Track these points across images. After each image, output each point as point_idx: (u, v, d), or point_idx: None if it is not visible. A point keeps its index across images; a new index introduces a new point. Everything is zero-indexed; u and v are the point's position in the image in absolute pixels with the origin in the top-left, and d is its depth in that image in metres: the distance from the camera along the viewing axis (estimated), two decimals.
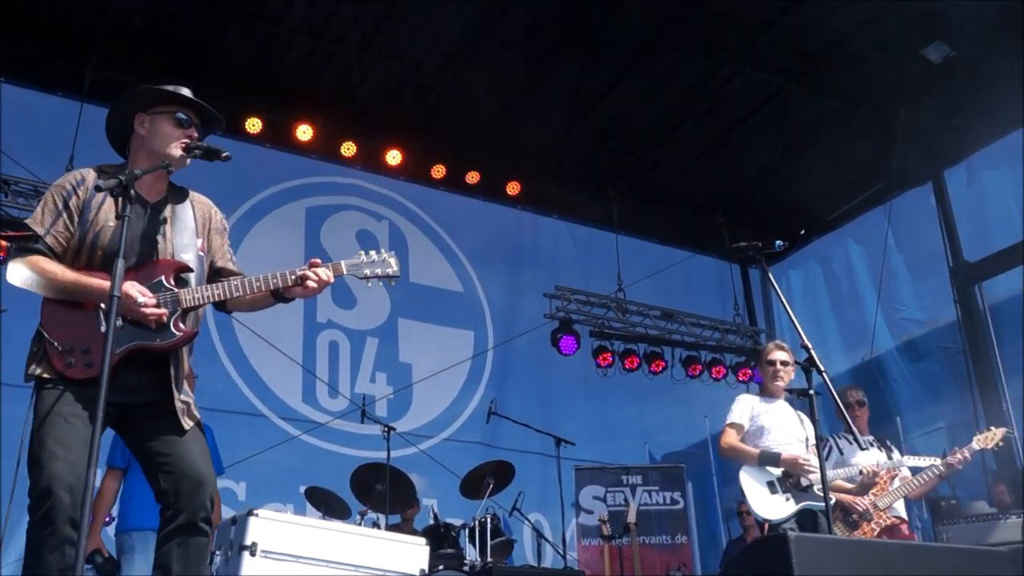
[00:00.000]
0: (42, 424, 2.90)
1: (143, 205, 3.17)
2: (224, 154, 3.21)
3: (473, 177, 9.54)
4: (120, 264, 2.81)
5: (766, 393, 5.68)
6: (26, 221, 3.16)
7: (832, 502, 5.67)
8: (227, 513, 4.00)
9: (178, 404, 3.09)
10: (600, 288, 9.77)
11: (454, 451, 8.63)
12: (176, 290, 3.10)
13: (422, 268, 9.52)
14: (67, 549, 2.75)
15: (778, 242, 4.57)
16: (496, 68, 8.49)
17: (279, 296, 3.26)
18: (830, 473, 5.44)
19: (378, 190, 9.51)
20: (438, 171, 9.40)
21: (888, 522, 5.56)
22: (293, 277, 3.17)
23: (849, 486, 5.61)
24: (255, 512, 3.26)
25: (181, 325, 3.08)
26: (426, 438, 8.76)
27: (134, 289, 2.97)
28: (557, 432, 7.62)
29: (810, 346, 4.29)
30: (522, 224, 10.26)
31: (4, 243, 2.95)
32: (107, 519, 5.65)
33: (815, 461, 5.36)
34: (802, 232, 9.51)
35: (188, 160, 3.23)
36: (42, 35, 7.63)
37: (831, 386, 4.38)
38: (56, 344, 2.99)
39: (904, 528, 5.68)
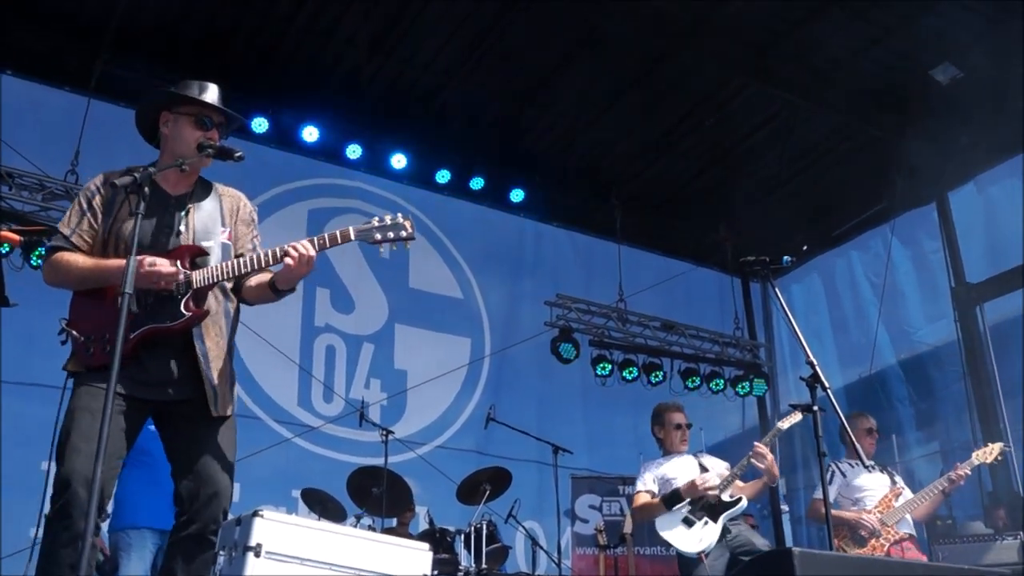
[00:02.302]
0: (70, 419, 2.99)
1: (166, 199, 3.27)
2: (237, 154, 3.25)
3: (477, 183, 9.54)
4: (132, 261, 2.86)
5: (667, 452, 5.94)
6: (57, 226, 3.32)
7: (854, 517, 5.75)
8: None
9: (208, 393, 3.13)
10: (601, 298, 9.75)
11: (448, 458, 8.61)
12: (190, 272, 3.15)
13: (422, 274, 9.51)
14: (80, 544, 2.75)
15: (786, 258, 4.60)
16: (503, 75, 8.48)
17: (275, 288, 3.26)
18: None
19: (382, 194, 9.46)
20: (442, 176, 9.39)
21: (896, 537, 5.63)
22: (280, 252, 3.17)
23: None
24: (260, 513, 3.26)
25: (192, 305, 3.13)
26: (419, 445, 8.73)
27: (147, 258, 3.04)
28: (554, 440, 7.59)
29: (815, 362, 4.28)
30: (524, 231, 10.25)
31: (16, 236, 2.94)
32: (103, 515, 5.62)
33: (711, 480, 5.48)
34: (804, 248, 9.50)
35: (205, 158, 3.28)
36: (50, 29, 7.59)
37: (835, 403, 4.37)
38: (77, 334, 3.10)
39: (911, 544, 5.74)
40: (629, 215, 10.07)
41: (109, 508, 5.59)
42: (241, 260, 3.22)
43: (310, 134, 8.64)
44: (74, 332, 3.11)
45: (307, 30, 7.96)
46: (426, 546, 3.60)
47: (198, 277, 3.15)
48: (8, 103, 7.37)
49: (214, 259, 3.25)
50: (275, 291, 3.27)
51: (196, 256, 3.21)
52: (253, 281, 3.34)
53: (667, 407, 6.16)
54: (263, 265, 3.21)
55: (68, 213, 3.29)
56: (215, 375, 3.18)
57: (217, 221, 3.33)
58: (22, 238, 3.03)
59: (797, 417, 5.18)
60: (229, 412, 3.22)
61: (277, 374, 8.40)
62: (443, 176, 9.40)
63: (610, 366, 9.44)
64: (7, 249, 4.96)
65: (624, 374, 9.50)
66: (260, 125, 8.39)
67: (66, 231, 3.23)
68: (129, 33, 7.66)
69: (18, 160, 7.21)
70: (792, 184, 9.68)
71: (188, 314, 3.11)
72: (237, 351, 8.25)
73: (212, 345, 3.21)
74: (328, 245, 3.20)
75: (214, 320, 3.24)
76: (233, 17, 7.78)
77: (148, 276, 3.03)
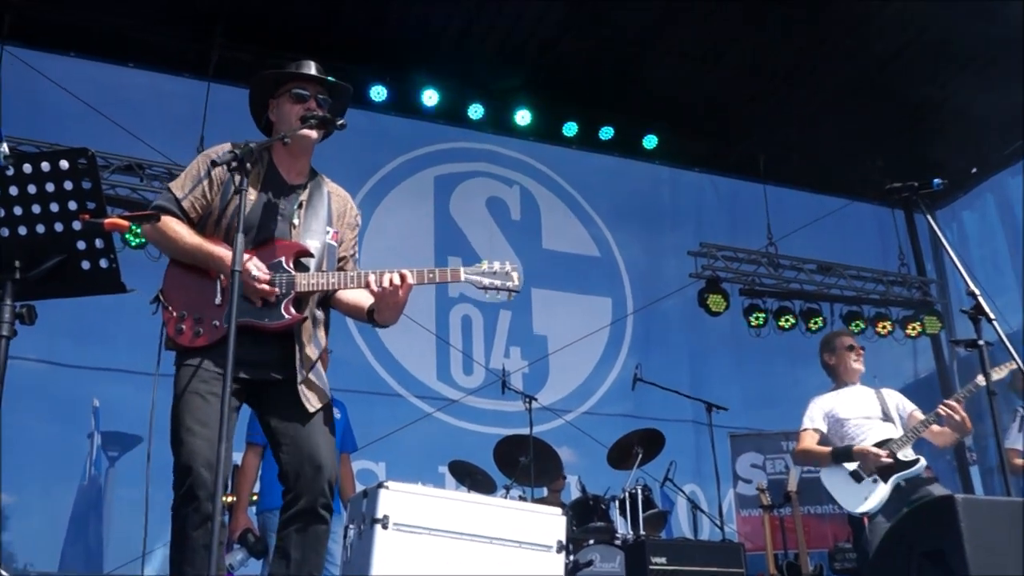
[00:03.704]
0: (180, 402, 3.04)
1: (282, 185, 3.28)
2: (339, 123, 3.23)
3: (606, 133, 9.17)
4: (240, 239, 2.86)
5: (839, 383, 5.45)
6: (169, 184, 3.31)
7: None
8: None
9: (300, 386, 3.13)
10: (749, 243, 9.29)
11: (597, 423, 8.32)
12: (293, 273, 3.13)
13: (555, 234, 9.26)
14: (210, 525, 2.81)
15: (936, 181, 4.23)
16: (620, 18, 8.00)
17: (373, 320, 3.24)
18: None
19: (508, 153, 9.27)
20: (569, 129, 9.09)
21: None
22: (387, 277, 3.11)
23: None
24: (385, 484, 3.26)
25: (292, 309, 3.12)
26: (565, 412, 8.52)
27: (251, 264, 3.03)
28: (708, 398, 7.19)
29: (977, 292, 4.01)
30: (660, 179, 9.81)
31: (125, 223, 2.88)
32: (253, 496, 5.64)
33: (889, 447, 4.95)
34: (973, 170, 8.66)
35: (311, 132, 3.22)
36: (166, 19, 7.70)
37: (1001, 334, 3.94)
38: (171, 309, 3.12)
39: None
40: (772, 152, 9.52)
41: (256, 488, 5.64)
42: (348, 275, 3.21)
43: (430, 98, 8.52)
44: (169, 307, 3.11)
45: None
46: (559, 511, 3.47)
47: (302, 281, 3.13)
48: (132, 95, 7.62)
49: (318, 259, 3.24)
50: (371, 322, 3.26)
51: (301, 256, 3.19)
52: (350, 297, 3.33)
53: (836, 332, 5.91)
54: (368, 285, 3.14)
55: (184, 175, 3.25)
56: (309, 369, 3.19)
57: (324, 220, 3.31)
58: (131, 224, 2.98)
59: (1002, 372, 4.68)
60: (322, 404, 3.22)
61: (415, 350, 8.35)
62: (570, 129, 9.11)
63: (764, 315, 9.01)
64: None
65: (780, 323, 9.04)
66: (379, 94, 8.34)
67: (178, 193, 3.19)
68: (242, 16, 7.68)
69: (146, 151, 7.38)
70: (952, 102, 8.79)
71: (288, 317, 3.11)
72: (375, 331, 8.19)
73: (307, 343, 3.20)
74: (438, 280, 3.20)
75: (308, 326, 3.23)
76: None
77: (245, 284, 2.99)
